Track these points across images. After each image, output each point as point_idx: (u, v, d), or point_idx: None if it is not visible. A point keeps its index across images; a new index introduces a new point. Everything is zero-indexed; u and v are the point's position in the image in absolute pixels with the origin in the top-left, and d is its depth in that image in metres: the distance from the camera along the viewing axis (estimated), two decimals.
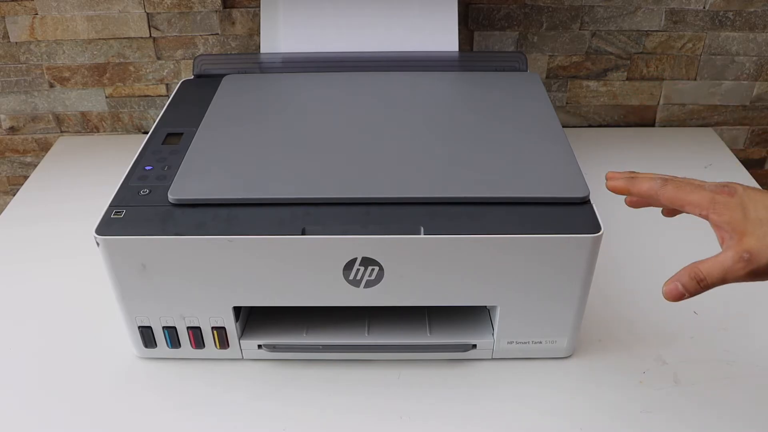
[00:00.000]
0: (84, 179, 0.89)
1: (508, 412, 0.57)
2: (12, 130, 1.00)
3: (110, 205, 0.55)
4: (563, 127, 0.65)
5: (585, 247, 0.53)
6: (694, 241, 0.58)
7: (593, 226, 0.52)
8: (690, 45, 0.94)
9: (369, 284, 0.55)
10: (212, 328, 0.59)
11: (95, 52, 0.93)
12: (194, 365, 0.61)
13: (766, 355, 0.62)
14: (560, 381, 0.60)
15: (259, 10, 0.84)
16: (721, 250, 0.45)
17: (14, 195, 0.87)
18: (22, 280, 0.72)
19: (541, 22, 0.92)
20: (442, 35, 0.81)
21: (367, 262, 0.53)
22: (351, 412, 0.57)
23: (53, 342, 0.64)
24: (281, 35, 0.81)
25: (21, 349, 0.64)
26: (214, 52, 0.94)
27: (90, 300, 0.68)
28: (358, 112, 0.67)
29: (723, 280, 0.45)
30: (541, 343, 0.60)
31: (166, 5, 0.90)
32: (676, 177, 0.49)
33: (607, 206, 0.55)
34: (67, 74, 0.95)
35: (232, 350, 0.61)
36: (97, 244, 0.53)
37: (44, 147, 1.02)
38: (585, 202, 0.55)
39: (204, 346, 0.60)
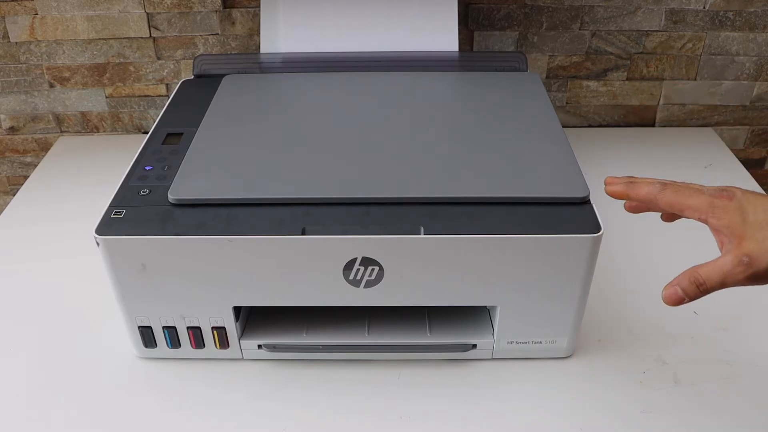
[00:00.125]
0: (84, 179, 0.89)
1: (508, 412, 0.57)
2: (12, 130, 1.00)
3: (110, 205, 0.55)
4: (563, 127, 0.65)
5: (585, 247, 0.53)
6: (694, 241, 0.57)
7: (593, 226, 0.52)
8: (690, 45, 0.94)
9: (369, 284, 0.55)
10: (212, 328, 0.59)
11: (95, 52, 0.93)
12: (194, 365, 0.61)
13: (766, 355, 0.62)
14: (560, 381, 0.60)
15: (259, 10, 0.84)
16: (720, 254, 0.45)
17: (14, 195, 0.87)
18: (22, 280, 0.72)
19: (541, 22, 0.92)
20: (442, 35, 0.81)
21: (367, 262, 0.53)
22: (351, 412, 0.57)
23: (53, 342, 0.64)
24: (281, 35, 0.81)
25: (21, 349, 0.64)
26: (214, 52, 0.94)
27: (90, 300, 0.68)
28: (358, 112, 0.67)
29: (722, 284, 0.45)
30: (541, 343, 0.60)
31: (166, 5, 0.90)
32: (675, 181, 0.49)
33: (607, 206, 0.55)
34: (67, 74, 0.95)
35: (232, 350, 0.61)
36: (97, 244, 0.53)
37: (44, 147, 1.02)
38: (585, 202, 0.55)
39: (204, 346, 0.60)
